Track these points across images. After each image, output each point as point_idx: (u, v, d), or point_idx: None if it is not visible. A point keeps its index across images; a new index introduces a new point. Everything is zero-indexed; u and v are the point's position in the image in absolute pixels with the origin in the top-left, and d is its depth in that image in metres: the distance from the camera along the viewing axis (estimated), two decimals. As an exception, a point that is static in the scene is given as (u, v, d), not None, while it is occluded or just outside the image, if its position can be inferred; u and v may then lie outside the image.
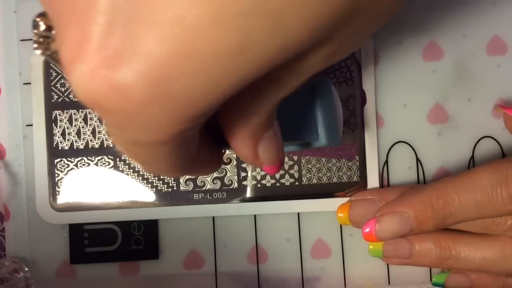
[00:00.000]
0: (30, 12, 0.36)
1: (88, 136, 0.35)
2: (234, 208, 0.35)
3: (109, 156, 0.35)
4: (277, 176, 0.35)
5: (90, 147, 0.35)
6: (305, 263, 0.37)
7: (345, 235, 0.37)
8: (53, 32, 0.17)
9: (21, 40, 0.36)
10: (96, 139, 0.35)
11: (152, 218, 0.36)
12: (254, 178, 0.35)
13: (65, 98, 0.35)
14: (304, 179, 0.35)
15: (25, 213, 0.36)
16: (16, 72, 0.36)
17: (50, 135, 0.35)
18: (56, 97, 0.35)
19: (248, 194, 0.36)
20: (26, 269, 0.35)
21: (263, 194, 0.35)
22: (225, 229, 0.36)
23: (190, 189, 0.35)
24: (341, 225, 0.37)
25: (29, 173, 0.36)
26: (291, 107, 0.21)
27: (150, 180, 0.35)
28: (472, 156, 0.36)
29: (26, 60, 0.36)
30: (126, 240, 0.36)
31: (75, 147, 0.35)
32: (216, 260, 0.36)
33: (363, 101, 0.36)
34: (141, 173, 0.35)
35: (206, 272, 0.36)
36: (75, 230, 0.36)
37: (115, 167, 0.35)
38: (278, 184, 0.35)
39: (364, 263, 0.37)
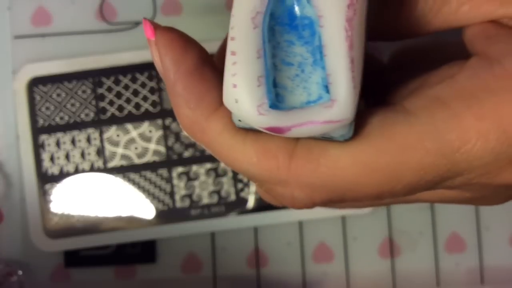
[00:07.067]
0: (24, 8, 0.35)
1: (78, 159, 0.35)
2: (233, 221, 0.35)
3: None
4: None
5: (80, 169, 0.35)
6: (307, 268, 0.36)
7: (349, 239, 0.36)
8: None
9: (15, 38, 0.35)
10: (86, 160, 0.35)
11: (149, 238, 0.35)
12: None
13: (51, 121, 0.35)
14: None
15: (18, 215, 0.35)
16: (9, 70, 0.35)
17: (38, 160, 0.34)
18: (42, 121, 0.35)
19: (247, 205, 0.35)
20: (20, 272, 0.35)
21: (263, 204, 0.35)
22: (224, 231, 0.36)
23: (187, 205, 0.35)
24: (344, 229, 0.36)
25: (23, 174, 0.35)
26: None
27: (145, 199, 0.35)
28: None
29: (20, 57, 0.35)
30: (122, 243, 0.35)
31: (64, 171, 0.35)
32: (215, 263, 0.36)
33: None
34: (136, 192, 0.35)
35: (204, 276, 0.36)
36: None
37: (112, 186, 0.35)
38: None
39: (368, 268, 0.36)
